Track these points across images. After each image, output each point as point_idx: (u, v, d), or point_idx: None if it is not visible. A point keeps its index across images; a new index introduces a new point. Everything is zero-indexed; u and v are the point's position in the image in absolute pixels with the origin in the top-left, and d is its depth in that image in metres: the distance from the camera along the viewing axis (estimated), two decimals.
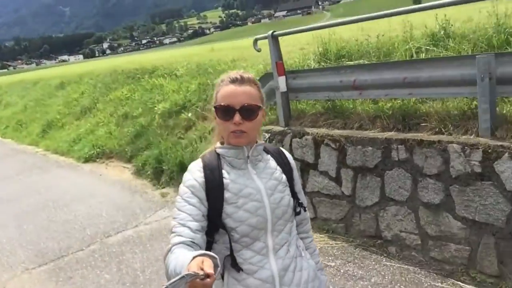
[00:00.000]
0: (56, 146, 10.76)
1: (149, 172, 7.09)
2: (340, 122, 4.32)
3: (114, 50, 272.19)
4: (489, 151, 3.04)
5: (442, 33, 4.36)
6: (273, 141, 4.82)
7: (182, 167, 6.33)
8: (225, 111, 1.47)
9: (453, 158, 3.23)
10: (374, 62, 4.59)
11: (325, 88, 4.46)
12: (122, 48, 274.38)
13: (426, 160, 3.43)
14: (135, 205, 5.98)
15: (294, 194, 1.61)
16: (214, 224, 1.49)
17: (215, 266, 1.11)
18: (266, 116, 5.14)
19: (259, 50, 4.99)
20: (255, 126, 1.52)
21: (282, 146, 4.71)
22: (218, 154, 1.56)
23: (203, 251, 1.23)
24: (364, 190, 3.96)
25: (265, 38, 4.83)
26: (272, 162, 1.61)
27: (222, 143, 1.58)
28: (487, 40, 3.90)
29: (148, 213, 5.61)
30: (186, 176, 1.54)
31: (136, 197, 6.38)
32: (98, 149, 9.11)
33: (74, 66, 33.56)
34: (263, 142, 1.60)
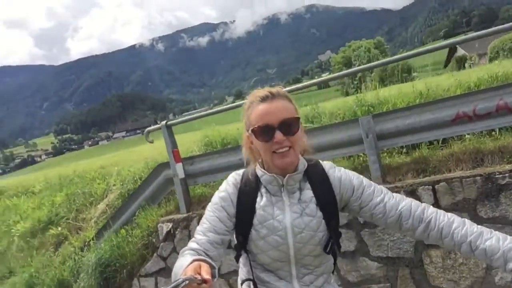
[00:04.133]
0: None
1: None
2: None
3: None
4: None
5: (314, 111, 5.12)
6: (178, 230, 4.70)
7: (62, 285, 5.57)
8: (264, 132, 1.35)
9: None
10: None
11: (225, 169, 4.66)
12: None
13: None
14: None
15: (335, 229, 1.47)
16: (241, 244, 1.49)
17: (213, 275, 1.15)
18: (163, 208, 5.05)
19: (151, 142, 5.04)
20: (298, 140, 1.39)
21: (189, 233, 4.62)
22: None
23: (202, 257, 1.26)
24: None
25: (157, 129, 4.94)
26: (309, 193, 1.44)
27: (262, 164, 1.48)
28: (353, 113, 4.73)
29: None
30: (222, 186, 1.51)
31: None
32: None
33: None
34: (304, 167, 1.45)
